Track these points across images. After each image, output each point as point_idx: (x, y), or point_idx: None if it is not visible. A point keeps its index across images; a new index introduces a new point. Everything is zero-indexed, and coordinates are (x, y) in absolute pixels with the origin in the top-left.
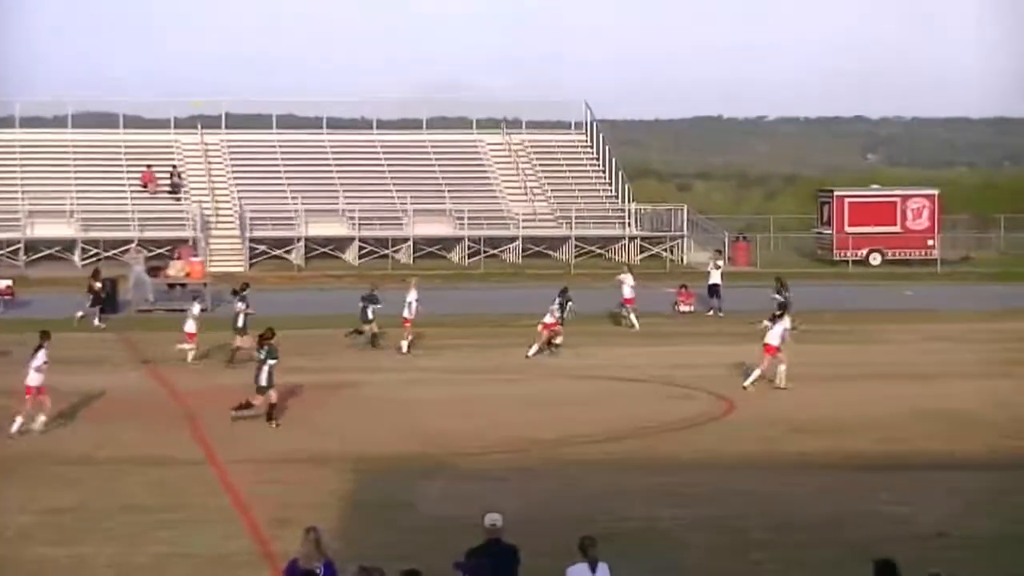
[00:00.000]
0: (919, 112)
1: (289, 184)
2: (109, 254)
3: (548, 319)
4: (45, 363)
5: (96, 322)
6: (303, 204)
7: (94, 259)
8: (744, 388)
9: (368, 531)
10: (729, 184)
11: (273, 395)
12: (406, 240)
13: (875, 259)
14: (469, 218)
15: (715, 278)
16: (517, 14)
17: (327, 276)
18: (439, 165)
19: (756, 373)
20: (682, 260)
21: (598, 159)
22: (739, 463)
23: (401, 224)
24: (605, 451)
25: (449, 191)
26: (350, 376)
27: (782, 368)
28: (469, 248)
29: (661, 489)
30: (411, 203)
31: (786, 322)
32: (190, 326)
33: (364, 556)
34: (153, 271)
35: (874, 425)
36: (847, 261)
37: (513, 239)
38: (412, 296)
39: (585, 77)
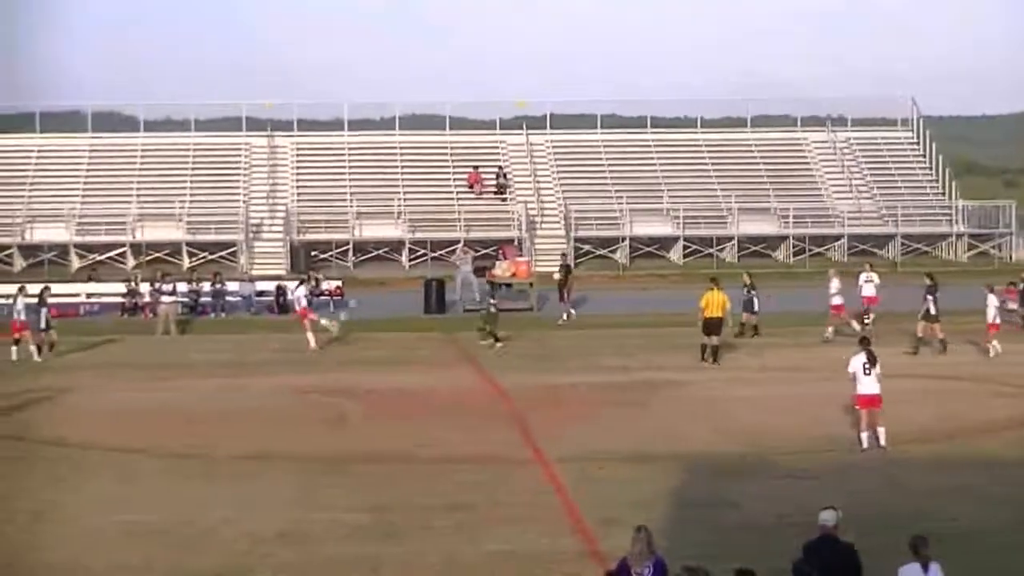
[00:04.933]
0: None
1: (613, 184)
2: (436, 255)
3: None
4: None
5: None
6: (627, 203)
7: (421, 259)
8: None
9: (692, 530)
10: None
11: None
12: (730, 239)
13: None
14: (794, 217)
15: None
16: (839, 11)
17: (651, 276)
18: (763, 163)
19: None
20: (1010, 257)
21: (925, 156)
22: None
23: (725, 223)
24: (933, 451)
25: (773, 189)
26: (672, 375)
27: None
28: (794, 247)
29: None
30: (735, 202)
31: None
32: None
33: (689, 556)
34: (479, 271)
35: None
36: None
37: (838, 237)
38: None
39: (909, 73)
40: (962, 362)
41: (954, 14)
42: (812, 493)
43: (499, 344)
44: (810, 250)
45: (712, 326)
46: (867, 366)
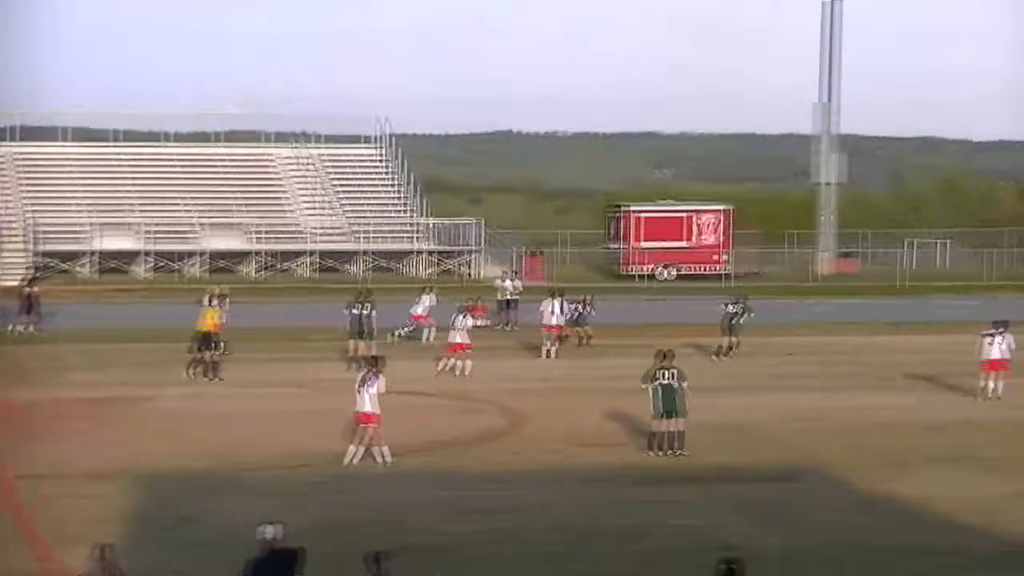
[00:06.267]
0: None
1: (81, 197)
2: None
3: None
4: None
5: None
6: (95, 217)
7: None
8: None
9: (152, 548)
10: (521, 198)
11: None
12: (198, 254)
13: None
14: (261, 232)
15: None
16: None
17: (119, 290)
18: (232, 178)
19: None
20: (473, 275)
21: (394, 173)
22: (533, 475)
23: (193, 238)
24: (407, 465)
25: (241, 205)
26: (143, 391)
27: None
28: (262, 262)
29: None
30: (203, 217)
31: None
32: None
33: (151, 574)
34: None
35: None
36: (634, 276)
37: (306, 253)
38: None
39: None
40: (428, 378)
41: (418, 41)
42: (279, 509)
43: None
44: (277, 266)
45: (202, 341)
46: (359, 385)
